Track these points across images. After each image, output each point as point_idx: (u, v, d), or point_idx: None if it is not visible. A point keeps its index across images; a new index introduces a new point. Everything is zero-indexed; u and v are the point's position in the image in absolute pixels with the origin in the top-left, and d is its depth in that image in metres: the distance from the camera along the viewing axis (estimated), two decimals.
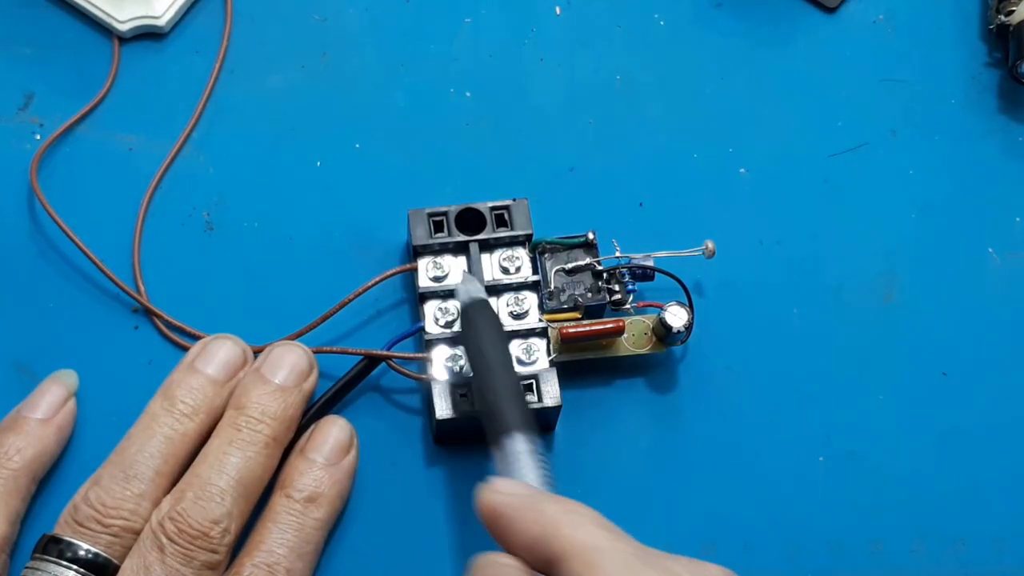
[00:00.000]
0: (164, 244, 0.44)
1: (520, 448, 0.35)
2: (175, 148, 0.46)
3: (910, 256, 0.46)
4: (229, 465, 0.37)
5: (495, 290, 0.42)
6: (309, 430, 0.40)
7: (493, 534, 0.33)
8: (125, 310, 0.43)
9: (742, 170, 0.47)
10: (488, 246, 0.43)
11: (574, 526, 0.31)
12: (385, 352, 0.41)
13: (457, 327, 0.41)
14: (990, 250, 0.46)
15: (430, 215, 0.42)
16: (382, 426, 0.42)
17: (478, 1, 0.49)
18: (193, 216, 0.45)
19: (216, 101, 0.47)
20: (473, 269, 0.42)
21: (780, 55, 0.49)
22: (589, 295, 0.42)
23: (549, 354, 0.41)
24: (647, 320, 0.42)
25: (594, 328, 0.41)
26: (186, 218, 0.45)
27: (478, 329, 0.38)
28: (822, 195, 0.46)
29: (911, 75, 0.49)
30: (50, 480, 0.40)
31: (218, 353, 0.40)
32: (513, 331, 0.41)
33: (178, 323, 0.43)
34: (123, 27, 0.47)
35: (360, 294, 0.42)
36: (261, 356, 0.40)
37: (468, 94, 0.48)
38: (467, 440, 0.41)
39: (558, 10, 0.49)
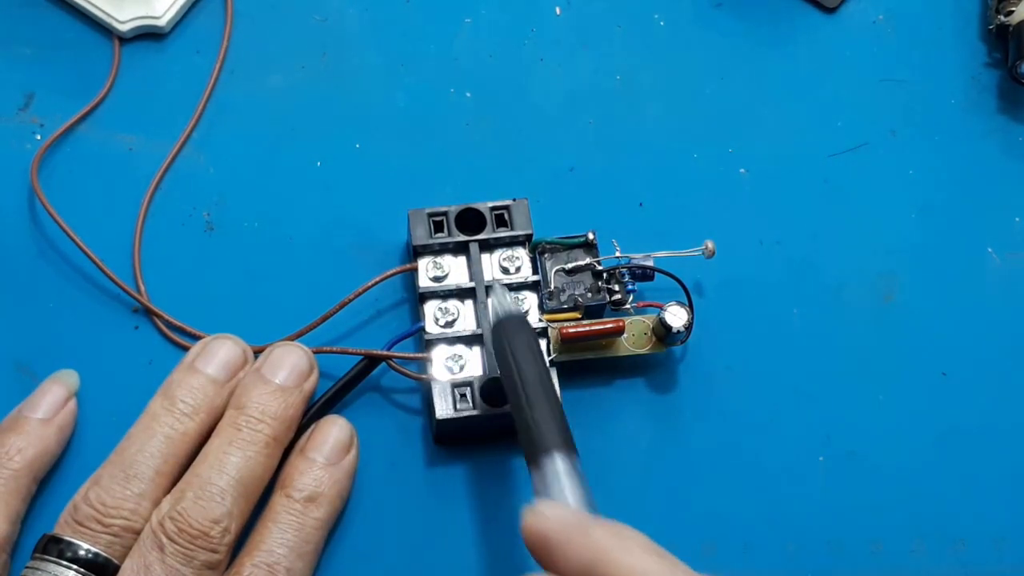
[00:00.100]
0: (164, 244, 0.44)
1: (560, 468, 0.34)
2: (175, 148, 0.46)
3: (910, 256, 0.46)
4: (229, 465, 0.37)
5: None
6: (309, 430, 0.40)
7: (539, 559, 0.32)
8: (125, 310, 0.43)
9: (742, 170, 0.47)
10: (488, 246, 0.43)
11: (625, 551, 0.31)
12: (385, 352, 0.41)
13: (456, 328, 0.41)
14: (990, 250, 0.46)
15: (430, 215, 0.42)
16: (382, 426, 0.42)
17: (478, 1, 0.49)
18: (193, 216, 0.45)
19: (216, 101, 0.47)
20: (473, 269, 0.42)
21: (780, 55, 0.49)
22: (589, 295, 0.42)
23: (549, 354, 0.41)
24: (647, 320, 0.42)
25: (594, 328, 0.41)
26: (186, 218, 0.45)
27: (516, 344, 0.37)
28: (822, 195, 0.46)
29: (911, 75, 0.49)
30: (50, 480, 0.40)
31: (218, 353, 0.40)
32: None
33: (178, 323, 0.43)
34: (123, 27, 0.47)
35: (360, 294, 0.42)
36: (262, 357, 0.40)
37: (468, 94, 0.48)
38: (467, 440, 0.41)
39: (558, 10, 0.49)
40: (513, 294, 0.42)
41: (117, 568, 0.36)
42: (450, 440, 0.41)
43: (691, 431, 0.42)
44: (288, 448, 0.39)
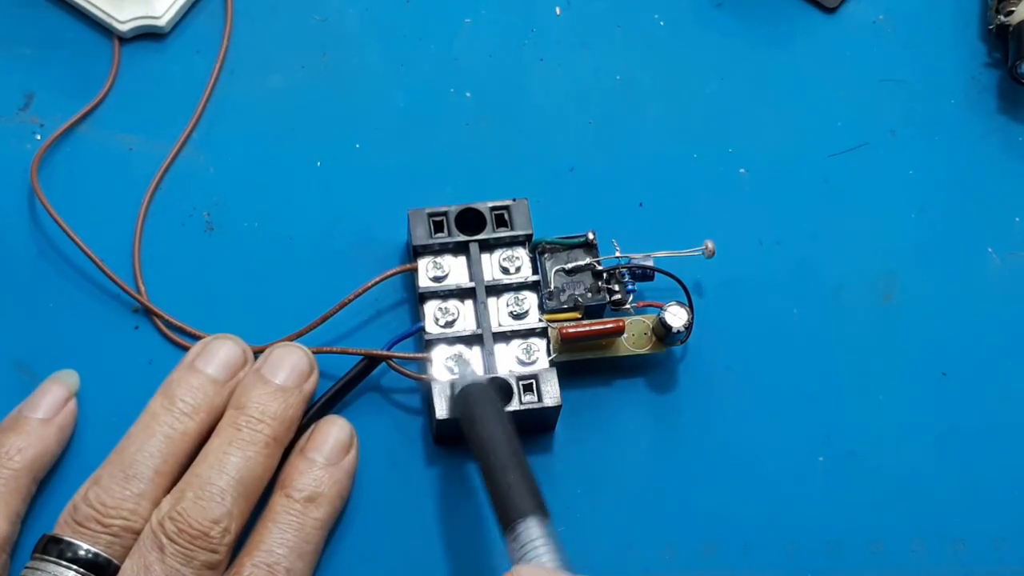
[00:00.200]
0: (164, 244, 0.44)
1: (535, 534, 0.34)
2: (175, 148, 0.46)
3: (910, 256, 0.46)
4: (229, 465, 0.37)
5: (495, 290, 0.42)
6: (309, 430, 0.40)
7: None
8: (125, 310, 0.43)
9: (742, 170, 0.47)
10: (488, 246, 0.43)
11: None
12: (385, 352, 0.41)
13: (456, 328, 0.41)
14: (990, 250, 0.46)
15: (430, 215, 0.42)
16: (382, 426, 0.42)
17: (478, 1, 0.49)
18: (193, 216, 0.45)
19: (216, 101, 0.47)
20: (473, 269, 0.42)
21: (780, 55, 0.49)
22: (589, 295, 0.42)
23: (549, 354, 0.41)
24: (647, 320, 0.42)
25: (594, 328, 0.41)
26: (186, 218, 0.45)
27: (484, 411, 0.37)
28: (822, 195, 0.46)
29: (911, 75, 0.49)
30: (50, 480, 0.40)
31: (218, 353, 0.40)
32: (513, 331, 0.41)
33: (178, 323, 0.43)
34: (123, 27, 0.47)
35: (360, 294, 0.42)
36: (262, 357, 0.40)
37: (468, 94, 0.48)
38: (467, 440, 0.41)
39: (558, 10, 0.49)
40: (513, 294, 0.42)
41: (117, 568, 0.36)
42: (450, 440, 0.41)
43: (691, 431, 0.42)
44: (288, 448, 0.39)
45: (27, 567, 0.36)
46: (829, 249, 0.45)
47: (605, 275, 0.42)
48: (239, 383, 0.40)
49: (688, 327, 0.41)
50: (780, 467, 0.42)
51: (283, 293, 0.44)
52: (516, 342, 0.41)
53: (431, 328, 0.41)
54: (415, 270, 0.42)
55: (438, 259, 0.42)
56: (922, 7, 0.50)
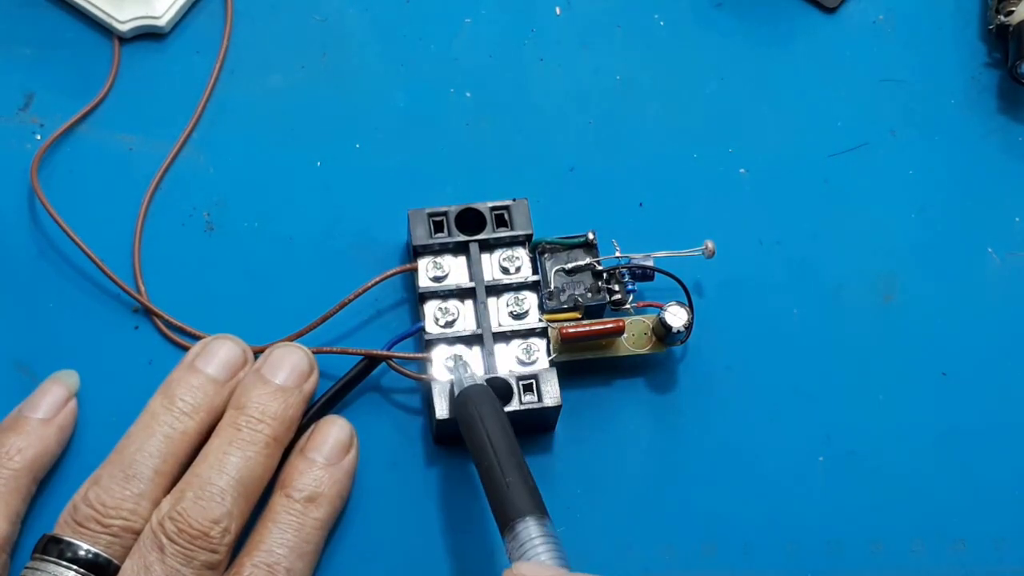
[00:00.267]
0: (164, 244, 0.44)
1: (534, 533, 0.34)
2: (175, 148, 0.46)
3: (910, 256, 0.46)
4: (229, 465, 0.37)
5: (495, 290, 0.42)
6: (309, 430, 0.40)
7: None
8: (125, 310, 0.43)
9: (742, 170, 0.47)
10: (488, 246, 0.43)
11: None
12: (385, 352, 0.41)
13: (456, 327, 0.41)
14: (990, 250, 0.46)
15: (430, 215, 0.42)
16: (382, 426, 0.42)
17: (478, 1, 0.49)
18: (193, 216, 0.45)
19: (216, 101, 0.47)
20: (473, 269, 0.42)
21: (780, 55, 0.49)
22: (589, 295, 0.42)
23: (549, 354, 0.41)
24: (647, 320, 0.42)
25: (594, 328, 0.41)
26: (186, 218, 0.45)
27: (484, 413, 0.38)
28: (822, 195, 0.46)
29: (911, 75, 0.49)
30: (50, 480, 0.40)
31: (218, 353, 0.40)
32: (513, 331, 0.41)
33: (178, 323, 0.43)
34: (123, 27, 0.47)
35: (360, 294, 0.42)
36: (262, 357, 0.40)
37: (468, 94, 0.48)
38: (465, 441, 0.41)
39: (558, 10, 0.49)
40: (513, 294, 0.42)
41: (117, 568, 0.36)
42: (450, 440, 0.41)
43: (691, 431, 0.42)
44: (288, 448, 0.39)
45: (27, 567, 0.36)
46: (829, 249, 0.45)
47: (605, 275, 0.42)
48: (239, 383, 0.40)
49: (688, 327, 0.41)
50: (780, 467, 0.42)
51: (283, 293, 0.44)
52: (516, 342, 0.41)
53: (431, 328, 0.41)
54: (415, 270, 0.42)
55: (438, 259, 0.42)
56: (922, 7, 0.50)
